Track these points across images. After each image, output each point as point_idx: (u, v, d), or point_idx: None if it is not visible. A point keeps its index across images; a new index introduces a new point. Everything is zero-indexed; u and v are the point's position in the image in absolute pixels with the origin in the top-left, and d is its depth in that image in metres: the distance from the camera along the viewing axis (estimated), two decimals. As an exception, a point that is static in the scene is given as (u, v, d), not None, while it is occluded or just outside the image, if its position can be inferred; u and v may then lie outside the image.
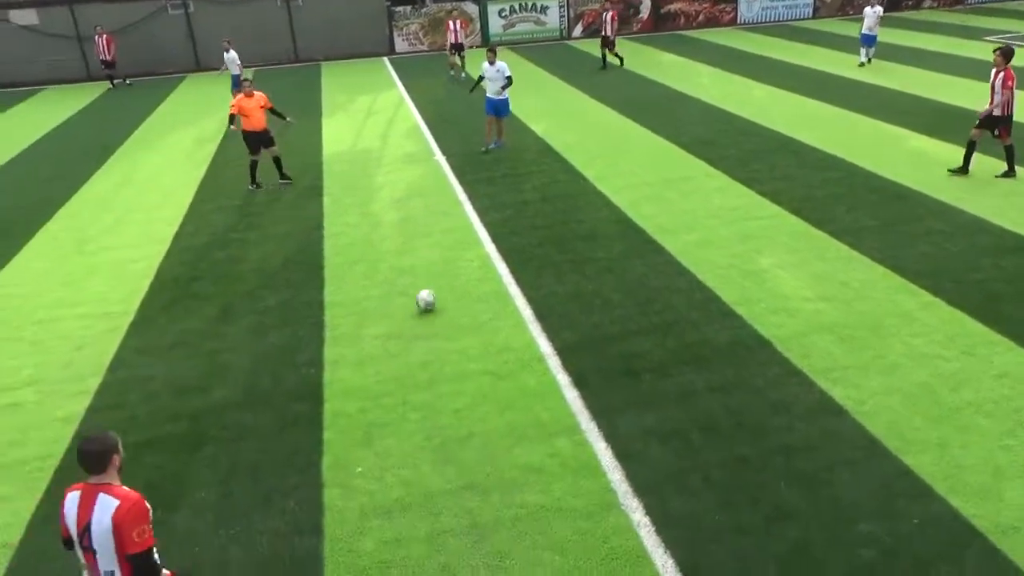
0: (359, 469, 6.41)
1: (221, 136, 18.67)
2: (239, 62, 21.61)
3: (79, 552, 4.07)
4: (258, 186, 14.15)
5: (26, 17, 27.44)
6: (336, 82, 25.70)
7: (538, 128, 17.23)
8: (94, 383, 7.97)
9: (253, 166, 14.10)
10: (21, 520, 6.11)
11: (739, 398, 7.02)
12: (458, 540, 5.59)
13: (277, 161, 14.14)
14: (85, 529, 3.93)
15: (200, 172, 15.62)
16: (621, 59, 24.50)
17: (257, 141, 13.84)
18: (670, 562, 5.29)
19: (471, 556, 5.44)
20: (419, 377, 7.70)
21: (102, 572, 3.98)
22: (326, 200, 13.38)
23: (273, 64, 29.80)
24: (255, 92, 13.80)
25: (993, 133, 12.26)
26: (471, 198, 12.93)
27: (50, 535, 5.91)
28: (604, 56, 24.44)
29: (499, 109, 15.27)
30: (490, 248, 10.78)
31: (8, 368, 8.39)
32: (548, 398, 7.21)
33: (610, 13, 24.18)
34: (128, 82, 26.97)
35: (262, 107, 13.69)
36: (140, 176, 15.66)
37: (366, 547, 5.58)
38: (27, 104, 25.05)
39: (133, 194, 14.47)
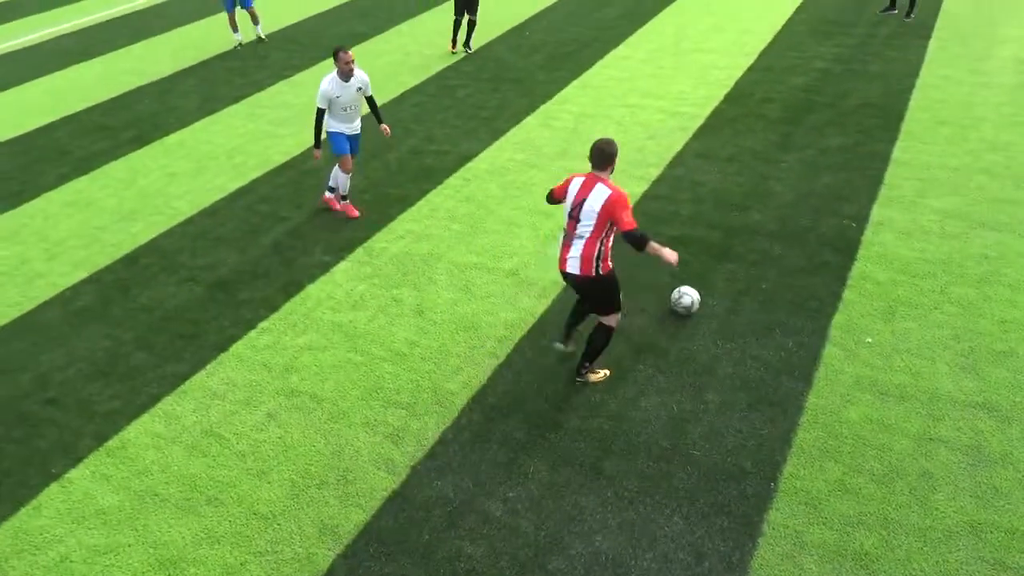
0: (869, 340, 6.11)
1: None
2: None
3: (565, 219, 5.41)
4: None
5: None
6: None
7: None
8: (654, 172, 8.82)
9: None
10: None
11: None
12: (951, 455, 5.09)
13: None
14: (579, 203, 5.26)
15: (805, -12, 15.00)
16: None
17: None
18: None
19: (960, 477, 4.93)
20: (971, 270, 6.79)
21: (576, 233, 5.30)
22: (932, 44, 11.81)
23: None
24: None
25: None
26: None
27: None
28: None
29: None
30: None
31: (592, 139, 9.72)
32: None
33: None
34: None
35: None
36: (747, -17, 15.69)
37: (850, 416, 5.44)
38: None
39: (736, 1, 14.65)
